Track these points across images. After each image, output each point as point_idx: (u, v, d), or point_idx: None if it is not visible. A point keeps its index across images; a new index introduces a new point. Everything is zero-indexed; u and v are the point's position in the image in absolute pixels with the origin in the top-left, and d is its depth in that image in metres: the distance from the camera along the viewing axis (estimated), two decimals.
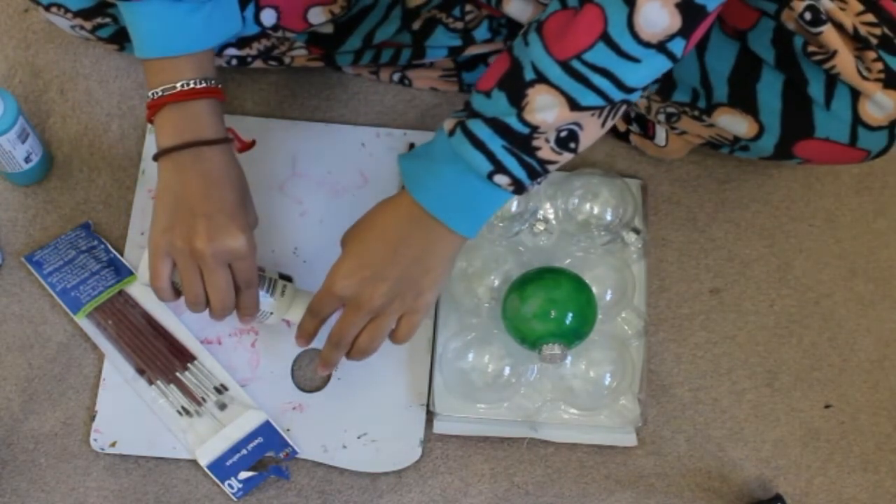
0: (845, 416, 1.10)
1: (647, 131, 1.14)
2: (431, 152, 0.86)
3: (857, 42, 0.92)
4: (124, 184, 1.12)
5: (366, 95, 1.18)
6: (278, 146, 1.14)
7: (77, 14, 1.01)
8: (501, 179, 0.83)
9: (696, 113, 1.02)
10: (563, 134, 0.82)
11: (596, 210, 1.10)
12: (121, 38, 1.05)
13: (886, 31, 0.92)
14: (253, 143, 1.14)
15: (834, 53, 0.90)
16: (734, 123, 1.00)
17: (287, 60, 1.10)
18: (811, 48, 0.92)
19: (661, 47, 0.77)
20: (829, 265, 1.15)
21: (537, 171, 0.83)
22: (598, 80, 0.78)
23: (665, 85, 1.02)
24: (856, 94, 0.93)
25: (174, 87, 0.88)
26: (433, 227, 0.86)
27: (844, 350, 1.12)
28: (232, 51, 1.06)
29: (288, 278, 0.99)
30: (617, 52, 0.77)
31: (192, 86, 0.88)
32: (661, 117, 1.07)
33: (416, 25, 1.10)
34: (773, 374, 1.11)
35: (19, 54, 1.17)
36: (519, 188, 0.84)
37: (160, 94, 0.88)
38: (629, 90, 0.80)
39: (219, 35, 0.91)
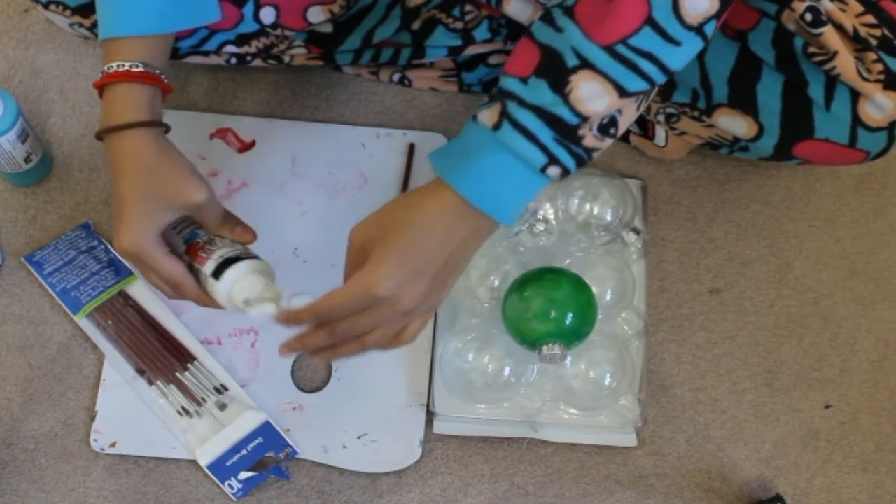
0: (845, 416, 1.10)
1: (647, 131, 1.14)
2: (469, 146, 0.83)
3: (858, 43, 0.92)
4: None
5: (366, 95, 1.18)
6: (278, 146, 1.14)
7: (75, 11, 1.01)
8: (553, 171, 0.81)
9: (696, 113, 1.02)
10: (605, 121, 0.81)
11: (596, 210, 1.10)
12: None
13: (886, 32, 0.92)
14: (253, 143, 1.14)
15: (834, 54, 0.90)
16: (734, 124, 1.00)
17: (286, 59, 1.10)
18: (811, 49, 0.92)
19: (699, 30, 0.77)
20: (829, 265, 1.15)
21: (584, 159, 0.82)
22: (644, 64, 0.78)
23: (665, 85, 1.02)
24: (855, 95, 0.93)
25: (108, 69, 0.85)
26: (476, 219, 0.83)
27: (844, 350, 1.12)
28: (231, 48, 1.06)
29: (247, 257, 0.90)
30: (662, 36, 0.77)
31: (118, 69, 0.85)
32: (661, 118, 1.08)
33: (416, 25, 1.10)
34: (773, 374, 1.11)
35: (19, 54, 1.17)
36: (564, 176, 0.83)
37: (98, 76, 0.86)
38: (670, 73, 0.80)
39: (174, 24, 0.88)
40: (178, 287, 0.88)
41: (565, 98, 0.78)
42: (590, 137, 0.81)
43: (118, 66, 0.85)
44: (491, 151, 0.81)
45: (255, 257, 0.90)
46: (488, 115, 0.82)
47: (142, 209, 0.85)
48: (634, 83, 0.78)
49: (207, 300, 0.89)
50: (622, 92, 0.78)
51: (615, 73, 0.78)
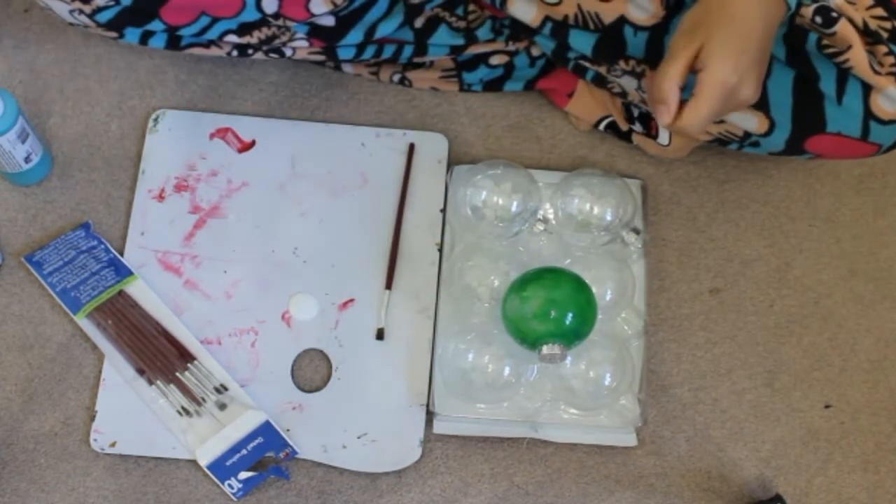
0: (845, 416, 1.10)
1: (650, 130, 1.14)
2: None
3: (868, 37, 0.92)
4: (124, 184, 1.12)
5: (366, 95, 1.18)
6: (278, 146, 1.14)
7: None
8: None
9: None
10: None
11: (596, 210, 1.10)
12: (121, 24, 1.04)
13: None
14: (253, 143, 1.14)
15: (848, 48, 0.91)
16: (745, 119, 1.00)
17: (288, 52, 1.10)
18: (825, 42, 0.92)
19: None
20: (829, 265, 1.15)
21: None
22: None
23: None
24: (867, 89, 0.93)
25: None
26: (781, 6, 0.86)
27: (844, 350, 1.12)
28: (232, 38, 1.06)
29: None
30: None
31: None
32: None
33: (419, 23, 1.09)
34: (773, 374, 1.11)
35: (19, 54, 1.17)
36: None
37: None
38: None
39: None
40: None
41: None
42: None
43: None
44: None
45: None
46: None
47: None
48: None
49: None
50: None
51: None
